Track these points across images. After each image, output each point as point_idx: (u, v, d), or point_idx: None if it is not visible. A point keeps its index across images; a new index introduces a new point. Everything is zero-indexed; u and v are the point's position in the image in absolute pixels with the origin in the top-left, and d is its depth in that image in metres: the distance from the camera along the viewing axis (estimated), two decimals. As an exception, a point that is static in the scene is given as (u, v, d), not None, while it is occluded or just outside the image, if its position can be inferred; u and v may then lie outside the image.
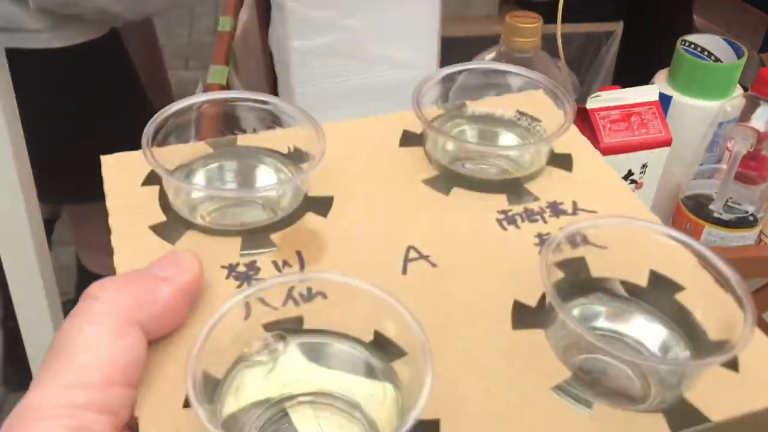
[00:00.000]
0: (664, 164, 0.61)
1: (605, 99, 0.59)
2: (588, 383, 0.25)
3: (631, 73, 0.68)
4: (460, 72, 0.36)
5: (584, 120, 0.59)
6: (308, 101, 0.70)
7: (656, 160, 0.60)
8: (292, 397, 0.24)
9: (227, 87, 0.75)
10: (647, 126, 0.59)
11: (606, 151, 0.58)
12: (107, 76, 0.89)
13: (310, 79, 0.69)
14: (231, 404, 0.24)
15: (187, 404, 0.23)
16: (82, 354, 0.22)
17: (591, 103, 0.59)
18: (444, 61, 0.70)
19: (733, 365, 0.26)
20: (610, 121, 0.59)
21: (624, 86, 0.61)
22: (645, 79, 0.65)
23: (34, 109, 0.70)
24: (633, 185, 0.61)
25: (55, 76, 0.84)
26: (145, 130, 0.29)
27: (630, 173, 0.60)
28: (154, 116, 0.30)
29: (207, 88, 0.79)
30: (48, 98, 0.84)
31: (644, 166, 0.60)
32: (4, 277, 0.70)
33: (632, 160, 0.59)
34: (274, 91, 0.75)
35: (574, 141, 0.36)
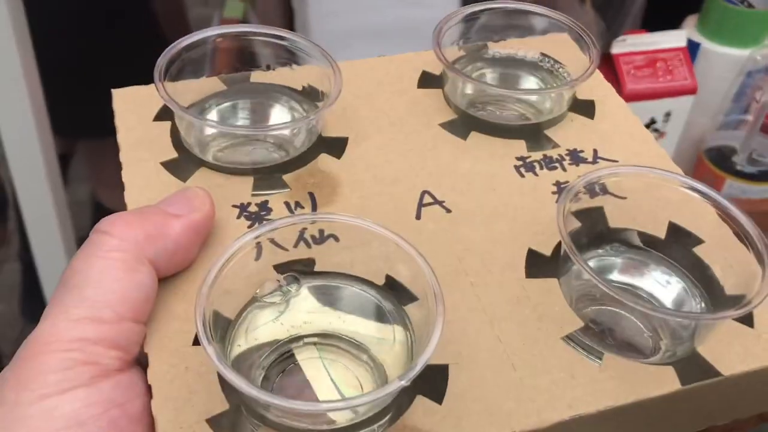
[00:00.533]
0: (688, 113, 0.59)
1: (631, 43, 0.57)
2: (599, 335, 0.25)
3: (660, 20, 0.66)
4: (482, 11, 0.34)
5: (608, 65, 0.57)
6: (325, 39, 0.68)
7: (680, 109, 0.59)
8: (299, 338, 0.24)
9: (244, 22, 0.74)
10: (673, 73, 0.57)
11: (629, 98, 0.56)
12: (123, 10, 0.87)
13: (328, 15, 0.67)
14: (241, 344, 0.24)
15: (196, 342, 0.23)
16: (93, 289, 0.22)
17: (616, 48, 0.57)
18: (466, 3, 0.68)
19: (748, 321, 0.25)
20: (634, 66, 0.57)
21: (653, 32, 0.59)
22: (675, 27, 0.63)
23: (50, 42, 0.69)
24: (655, 134, 0.59)
25: (71, 8, 0.83)
26: (157, 63, 0.29)
27: (653, 121, 0.59)
28: (167, 49, 0.29)
29: (222, 23, 0.77)
30: (64, 31, 0.83)
31: (668, 114, 0.58)
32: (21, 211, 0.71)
33: (655, 108, 0.58)
34: (291, 28, 0.73)
35: (598, 87, 0.35)
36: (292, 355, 0.24)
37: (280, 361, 0.24)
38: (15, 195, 0.68)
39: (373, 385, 0.23)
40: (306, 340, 0.25)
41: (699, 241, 0.27)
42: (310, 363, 0.24)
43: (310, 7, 0.68)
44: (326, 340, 0.25)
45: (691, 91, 0.58)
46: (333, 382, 0.24)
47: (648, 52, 0.57)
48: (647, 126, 0.59)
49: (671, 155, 0.60)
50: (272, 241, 0.24)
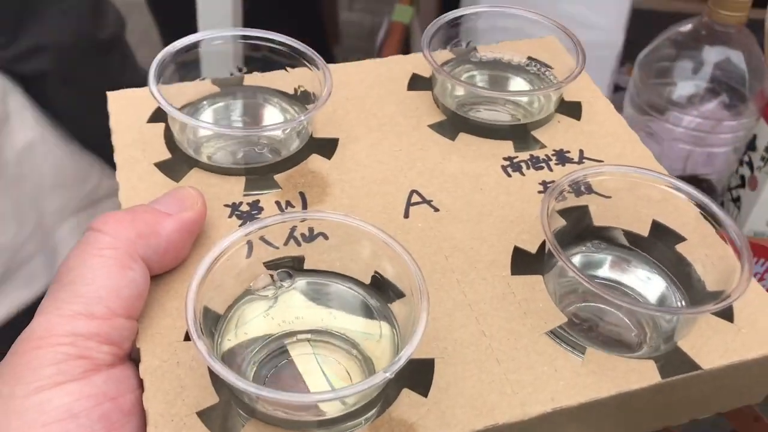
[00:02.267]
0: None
1: None
2: (584, 330, 0.26)
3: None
4: (473, 14, 0.35)
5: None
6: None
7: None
8: (291, 334, 0.25)
9: (409, 27, 0.74)
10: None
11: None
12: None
13: (493, 30, 0.67)
14: (231, 339, 0.24)
15: (187, 338, 0.24)
16: (86, 285, 0.23)
17: None
18: (634, 31, 0.67)
19: (728, 315, 0.26)
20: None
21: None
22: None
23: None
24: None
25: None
26: (151, 66, 0.29)
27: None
28: (161, 52, 0.30)
29: (391, 27, 0.77)
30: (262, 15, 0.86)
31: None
32: None
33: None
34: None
35: (584, 89, 0.35)
36: (285, 350, 0.25)
37: (273, 357, 0.25)
38: None
39: (362, 378, 0.24)
40: (299, 336, 0.25)
41: (681, 239, 0.28)
42: (304, 358, 0.25)
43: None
44: (319, 336, 0.25)
45: None
46: (325, 376, 0.24)
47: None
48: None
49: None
50: (263, 238, 0.25)
